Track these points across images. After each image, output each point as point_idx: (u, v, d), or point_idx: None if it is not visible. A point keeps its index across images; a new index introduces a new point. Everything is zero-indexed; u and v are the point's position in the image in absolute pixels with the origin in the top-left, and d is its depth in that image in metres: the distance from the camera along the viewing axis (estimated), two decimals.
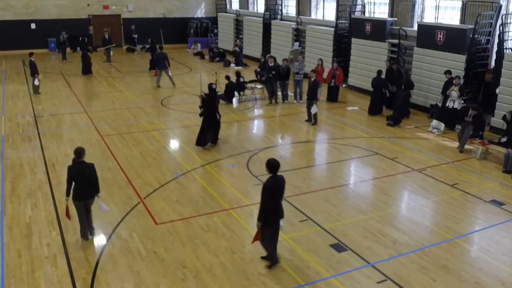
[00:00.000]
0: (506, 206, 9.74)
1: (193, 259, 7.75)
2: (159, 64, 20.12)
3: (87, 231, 8.24)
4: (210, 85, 12.83)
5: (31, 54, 19.26)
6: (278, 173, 7.19)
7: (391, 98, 16.73)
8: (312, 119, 15.38)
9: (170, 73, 20.24)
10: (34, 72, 18.72)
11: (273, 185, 7.14)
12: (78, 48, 24.77)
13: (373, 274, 7.38)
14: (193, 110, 16.96)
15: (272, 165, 7.12)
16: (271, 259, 7.52)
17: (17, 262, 7.63)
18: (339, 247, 8.10)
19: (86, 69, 22.88)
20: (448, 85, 14.79)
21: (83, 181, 7.95)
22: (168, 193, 10.16)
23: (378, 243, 8.27)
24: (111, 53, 26.26)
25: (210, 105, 12.66)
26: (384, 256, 7.86)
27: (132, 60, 27.69)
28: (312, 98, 15.21)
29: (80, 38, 24.06)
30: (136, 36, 29.01)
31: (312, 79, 15.53)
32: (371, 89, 16.93)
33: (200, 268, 7.49)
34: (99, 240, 8.34)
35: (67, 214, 8.15)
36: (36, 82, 18.77)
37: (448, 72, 14.93)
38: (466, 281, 7.25)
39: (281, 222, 7.47)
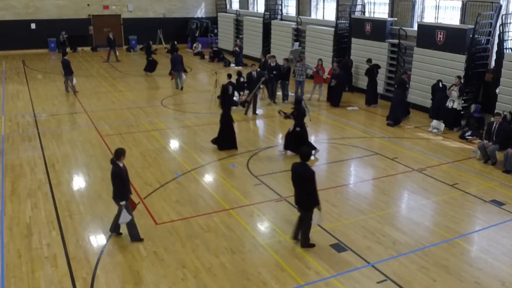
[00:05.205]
0: (506, 206, 9.73)
1: (193, 259, 7.75)
2: (175, 66, 19.86)
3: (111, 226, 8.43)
4: None
5: (65, 54, 19.28)
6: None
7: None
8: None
9: (184, 76, 20.14)
10: (70, 71, 18.70)
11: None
12: (138, 50, 24.30)
13: (373, 274, 7.38)
14: (193, 110, 17.00)
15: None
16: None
17: (17, 262, 7.63)
18: (339, 247, 8.10)
19: (152, 68, 23.11)
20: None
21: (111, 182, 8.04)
22: (168, 193, 10.16)
23: (378, 243, 8.27)
24: (111, 53, 26.33)
25: None
26: (384, 256, 7.86)
27: (132, 60, 27.69)
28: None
29: (146, 44, 23.98)
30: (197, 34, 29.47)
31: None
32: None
33: (200, 268, 7.49)
34: (99, 240, 8.34)
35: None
36: (74, 81, 18.86)
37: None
38: (466, 281, 7.25)
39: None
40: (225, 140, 12.73)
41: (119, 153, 7.91)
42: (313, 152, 12.25)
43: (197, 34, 31.33)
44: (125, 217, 7.99)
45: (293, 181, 8.12)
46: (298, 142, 12.07)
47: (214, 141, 12.92)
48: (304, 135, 12.28)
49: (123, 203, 7.93)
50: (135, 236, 8.21)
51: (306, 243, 8.10)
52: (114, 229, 8.37)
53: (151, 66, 23.39)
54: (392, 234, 8.58)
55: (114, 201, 8.09)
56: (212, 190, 10.43)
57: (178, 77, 19.90)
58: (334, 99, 17.71)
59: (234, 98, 17.83)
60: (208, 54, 28.37)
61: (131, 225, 8.17)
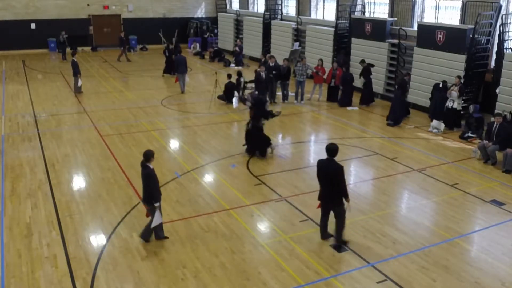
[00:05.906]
0: (506, 206, 9.73)
1: (193, 259, 7.75)
2: (179, 68, 19.42)
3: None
4: None
5: (73, 54, 19.12)
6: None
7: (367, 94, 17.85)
8: None
9: (187, 79, 19.70)
10: (76, 72, 18.63)
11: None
12: (166, 52, 23.94)
13: (373, 274, 7.38)
14: (193, 110, 16.99)
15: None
16: None
17: (17, 262, 7.63)
18: (339, 247, 8.10)
19: (170, 69, 22.59)
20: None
21: (143, 184, 8.01)
22: (168, 193, 10.16)
23: (378, 243, 8.27)
24: (125, 53, 26.60)
25: None
26: (384, 256, 7.86)
27: (132, 60, 27.66)
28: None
29: (166, 45, 23.73)
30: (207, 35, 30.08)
31: None
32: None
33: (200, 268, 7.49)
34: (99, 240, 8.34)
35: None
36: (79, 83, 18.78)
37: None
38: (466, 281, 7.25)
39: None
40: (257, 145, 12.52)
41: (149, 155, 7.88)
42: (268, 149, 12.40)
43: (206, 35, 31.14)
44: (157, 219, 7.96)
45: (320, 178, 8.16)
46: (256, 139, 12.27)
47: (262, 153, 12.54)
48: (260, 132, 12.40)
49: (157, 204, 7.92)
50: (145, 236, 8.21)
51: (341, 239, 8.14)
52: (145, 236, 8.23)
53: (172, 67, 22.32)
54: (392, 234, 8.58)
55: (145, 204, 8.06)
56: (212, 190, 10.43)
57: (181, 80, 19.53)
58: (343, 100, 17.63)
59: (234, 98, 17.85)
60: (208, 54, 28.39)
61: (149, 225, 8.14)
